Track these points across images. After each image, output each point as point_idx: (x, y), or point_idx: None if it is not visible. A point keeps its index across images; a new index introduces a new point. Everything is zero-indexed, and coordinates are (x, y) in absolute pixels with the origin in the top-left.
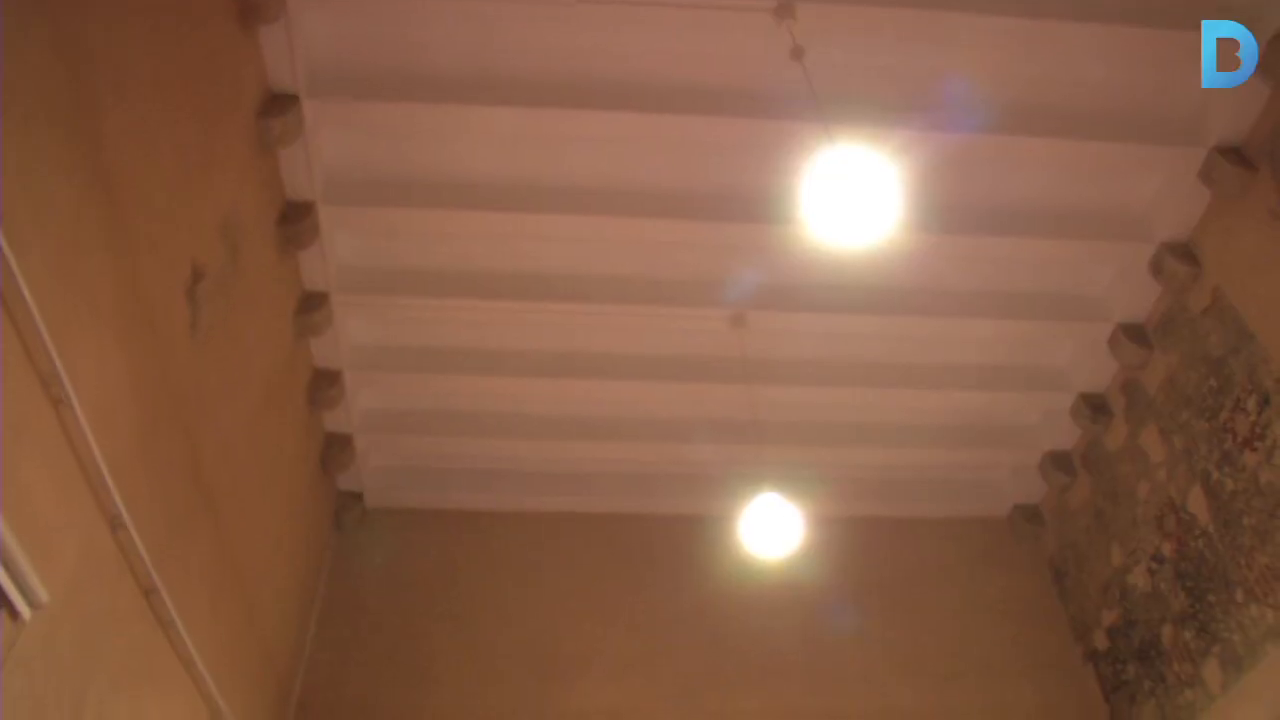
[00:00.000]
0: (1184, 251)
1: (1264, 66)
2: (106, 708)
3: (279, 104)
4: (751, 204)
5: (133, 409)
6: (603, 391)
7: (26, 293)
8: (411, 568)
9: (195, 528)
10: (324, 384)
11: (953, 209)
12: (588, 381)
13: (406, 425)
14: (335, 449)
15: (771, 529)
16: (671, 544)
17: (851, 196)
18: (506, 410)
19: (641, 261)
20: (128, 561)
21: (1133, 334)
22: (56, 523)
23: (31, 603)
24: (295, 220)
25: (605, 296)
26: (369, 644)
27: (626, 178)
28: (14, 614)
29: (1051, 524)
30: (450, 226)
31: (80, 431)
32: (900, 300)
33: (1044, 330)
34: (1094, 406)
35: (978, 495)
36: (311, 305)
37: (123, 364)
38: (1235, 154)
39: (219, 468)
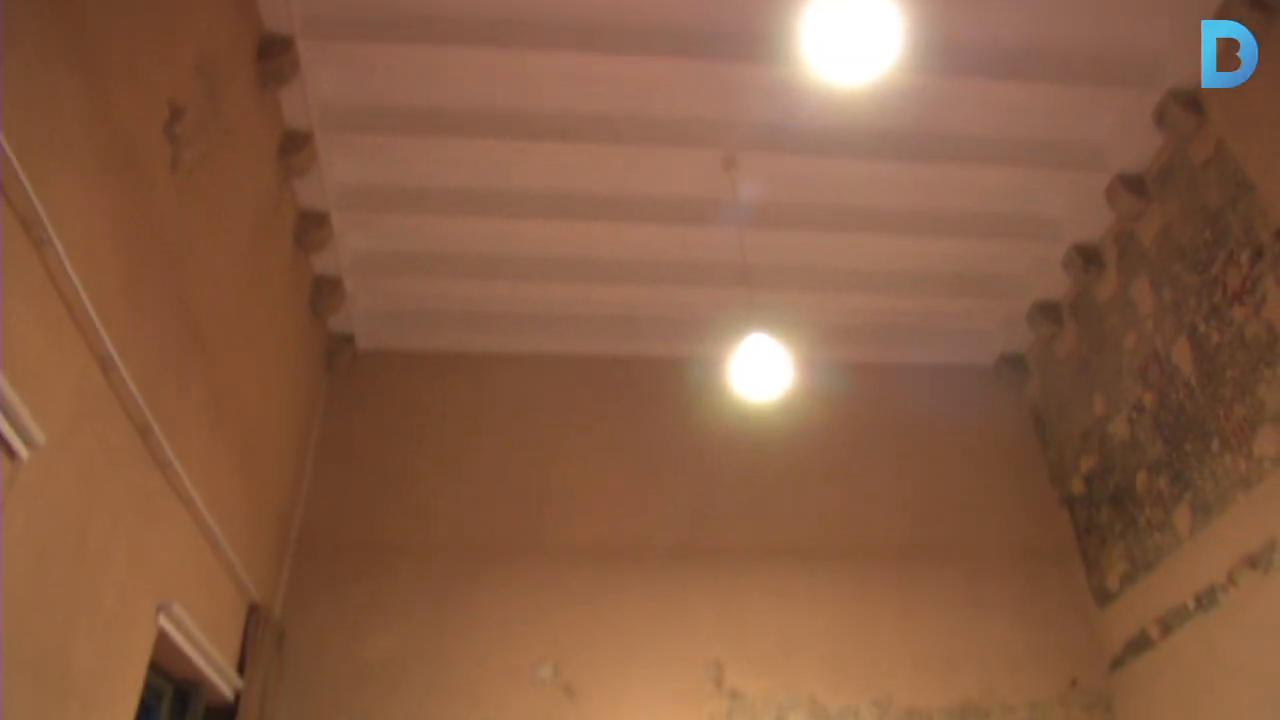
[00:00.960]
0: (1190, 100)
1: None
2: (109, 546)
3: None
4: (747, 42)
5: (116, 249)
6: (594, 233)
7: None
8: (404, 409)
9: (187, 369)
10: (311, 225)
11: (953, 50)
12: (579, 223)
13: (396, 267)
14: (325, 291)
15: (760, 371)
16: (661, 385)
17: (850, 34)
18: (497, 252)
19: (634, 100)
20: (121, 402)
21: (1131, 184)
22: (47, 364)
23: (28, 443)
24: (274, 55)
25: (597, 136)
26: (365, 483)
27: (620, 11)
28: (12, 454)
29: (1036, 373)
30: (437, 62)
31: (64, 272)
32: (896, 145)
33: (1040, 178)
34: (1086, 257)
35: (965, 343)
36: (295, 145)
37: (103, 203)
38: None
39: (208, 309)
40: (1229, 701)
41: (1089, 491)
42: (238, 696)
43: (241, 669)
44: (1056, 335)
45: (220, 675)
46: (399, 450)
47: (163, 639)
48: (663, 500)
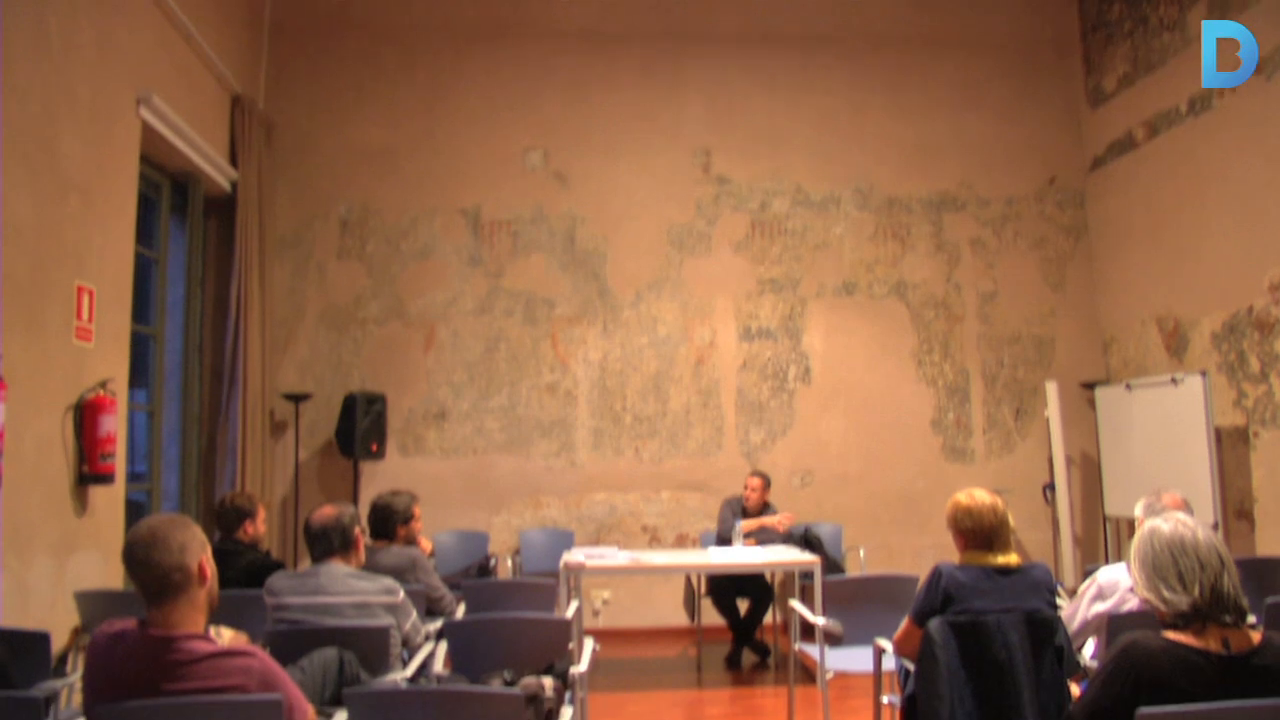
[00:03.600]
0: None
1: None
2: (73, 37)
3: None
4: None
5: None
6: None
7: None
8: None
9: None
10: None
11: None
12: None
13: None
14: None
15: None
16: None
17: None
18: None
19: None
20: None
21: None
22: None
23: None
24: None
25: None
26: None
27: None
28: None
29: None
30: None
31: None
32: None
33: None
34: None
35: None
36: None
37: None
38: None
39: None
40: (1197, 205)
41: None
42: (235, 188)
43: (235, 162)
44: None
45: (214, 167)
46: None
47: (149, 131)
48: None
